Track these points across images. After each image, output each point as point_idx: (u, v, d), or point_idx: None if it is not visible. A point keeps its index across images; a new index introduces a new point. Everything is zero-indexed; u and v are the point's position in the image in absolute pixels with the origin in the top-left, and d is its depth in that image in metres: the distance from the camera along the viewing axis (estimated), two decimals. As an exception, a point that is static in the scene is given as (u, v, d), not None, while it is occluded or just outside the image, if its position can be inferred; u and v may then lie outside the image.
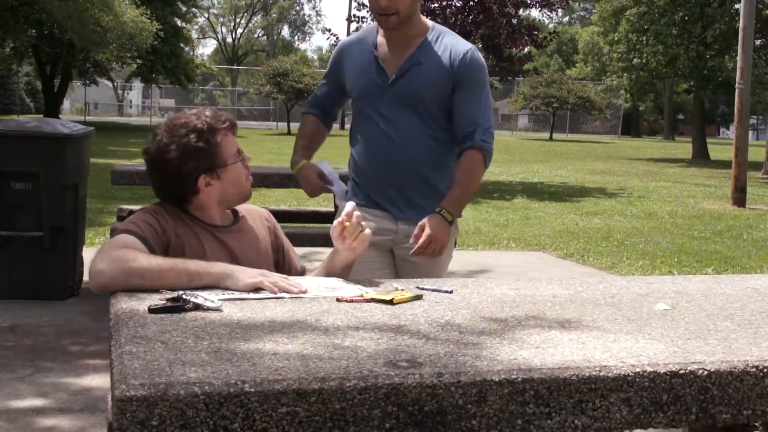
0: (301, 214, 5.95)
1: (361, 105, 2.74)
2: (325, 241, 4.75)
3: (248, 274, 1.84)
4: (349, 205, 2.08)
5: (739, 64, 11.75)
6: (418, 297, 1.83)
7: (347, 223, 2.05)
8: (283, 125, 33.81)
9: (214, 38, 74.41)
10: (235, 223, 2.16)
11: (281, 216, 6.08)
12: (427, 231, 2.52)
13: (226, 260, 2.00)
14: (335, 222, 2.10)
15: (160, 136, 2.07)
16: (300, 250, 7.01)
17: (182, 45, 33.64)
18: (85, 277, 4.83)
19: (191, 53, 42.10)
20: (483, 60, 2.74)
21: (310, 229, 4.94)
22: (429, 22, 2.75)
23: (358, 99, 2.75)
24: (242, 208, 2.23)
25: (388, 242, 2.68)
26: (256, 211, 2.28)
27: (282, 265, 2.21)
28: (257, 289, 1.81)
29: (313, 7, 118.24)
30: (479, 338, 1.50)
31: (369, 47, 2.73)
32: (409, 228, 2.62)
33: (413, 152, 2.65)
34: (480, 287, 1.98)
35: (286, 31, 78.19)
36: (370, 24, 2.85)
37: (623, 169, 18.87)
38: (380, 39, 2.72)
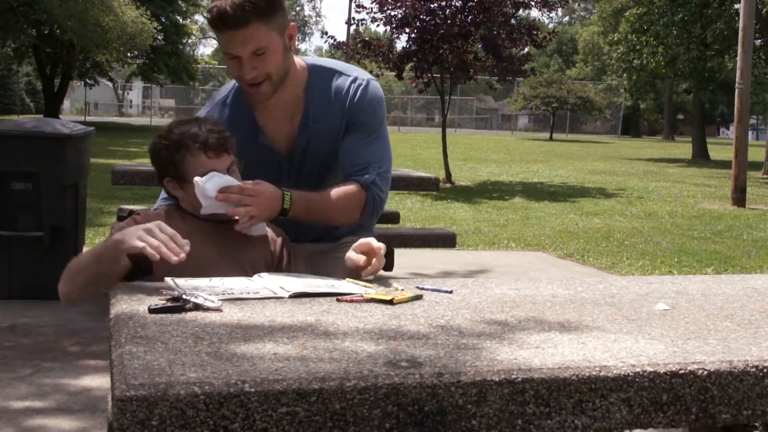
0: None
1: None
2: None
3: (135, 236, 1.81)
4: (370, 240, 2.00)
5: (738, 64, 11.75)
6: (418, 297, 1.83)
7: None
8: (283, 125, 33.77)
9: (214, 38, 74.41)
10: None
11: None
12: (255, 185, 2.04)
13: (211, 250, 2.03)
14: (359, 252, 1.98)
15: (166, 127, 2.16)
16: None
17: (184, 40, 33.66)
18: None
19: (192, 52, 42.10)
20: (379, 93, 2.26)
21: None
22: (301, 62, 2.21)
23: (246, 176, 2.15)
24: None
25: None
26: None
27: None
28: (257, 288, 1.82)
29: (313, 8, 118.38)
30: (479, 338, 1.50)
31: (244, 118, 2.20)
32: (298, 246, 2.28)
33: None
34: (480, 287, 1.98)
35: (286, 31, 78.09)
36: (226, 85, 2.36)
37: (623, 169, 18.88)
38: (253, 105, 2.21)
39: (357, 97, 2.20)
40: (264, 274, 1.99)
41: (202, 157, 2.05)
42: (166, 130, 2.13)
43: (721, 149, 28.46)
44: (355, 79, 2.22)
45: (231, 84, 2.30)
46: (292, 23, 2.13)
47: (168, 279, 1.86)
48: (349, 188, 2.19)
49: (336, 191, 2.17)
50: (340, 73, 2.24)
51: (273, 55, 2.06)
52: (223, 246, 2.09)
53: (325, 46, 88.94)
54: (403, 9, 13.47)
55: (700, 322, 1.69)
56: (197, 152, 2.05)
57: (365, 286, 1.91)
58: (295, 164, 2.24)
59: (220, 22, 2.01)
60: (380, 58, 13.92)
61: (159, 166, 2.13)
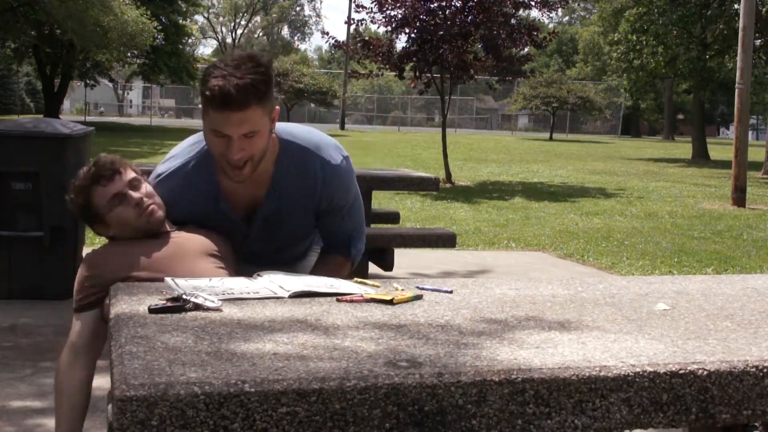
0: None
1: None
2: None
3: None
4: None
5: (738, 64, 11.75)
6: (418, 297, 1.83)
7: None
8: (283, 125, 33.77)
9: (214, 38, 74.46)
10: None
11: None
12: None
13: (168, 252, 2.20)
14: None
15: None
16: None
17: (184, 39, 33.69)
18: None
19: (192, 52, 42.08)
20: (350, 170, 2.31)
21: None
22: (273, 134, 2.19)
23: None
24: None
25: None
26: None
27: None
28: (257, 288, 1.82)
29: (313, 8, 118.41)
30: (479, 338, 1.50)
31: (207, 184, 2.23)
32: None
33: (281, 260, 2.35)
34: (480, 287, 1.98)
35: (286, 31, 78.22)
36: (193, 142, 2.31)
37: (623, 169, 18.87)
38: (219, 171, 2.20)
39: (330, 184, 2.24)
40: (264, 273, 2.00)
41: (99, 189, 2.24)
42: (71, 185, 2.31)
43: (721, 149, 28.45)
44: (326, 162, 2.23)
45: (192, 146, 2.28)
46: (277, 107, 2.14)
47: (168, 279, 1.87)
48: (340, 265, 2.38)
49: (331, 272, 2.28)
50: (312, 152, 2.23)
51: (261, 138, 2.07)
52: (174, 246, 2.23)
53: (325, 46, 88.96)
54: (403, 9, 13.47)
55: (700, 322, 1.69)
56: (94, 187, 2.24)
57: (372, 285, 1.91)
58: (253, 229, 2.29)
59: (221, 102, 1.98)
60: (380, 58, 13.92)
61: (82, 218, 2.32)
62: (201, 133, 2.20)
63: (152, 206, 2.23)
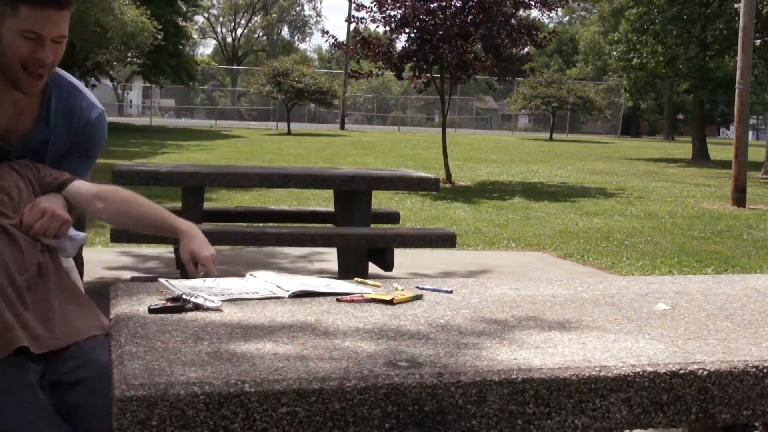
0: (300, 214, 5.95)
1: None
2: (325, 240, 4.74)
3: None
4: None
5: (739, 64, 11.75)
6: (418, 297, 1.83)
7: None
8: (283, 125, 33.84)
9: (214, 38, 74.49)
10: None
11: (281, 216, 6.09)
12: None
13: None
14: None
15: None
16: (299, 251, 6.97)
17: (183, 42, 33.73)
18: (86, 277, 4.82)
19: (192, 52, 42.11)
20: (106, 120, 2.27)
21: (309, 229, 4.94)
22: None
23: None
24: None
25: None
26: None
27: (42, 179, 2.09)
28: (255, 288, 1.82)
29: (313, 8, 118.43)
30: (479, 338, 1.50)
31: None
32: None
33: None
34: (480, 287, 1.98)
35: (286, 31, 78.26)
36: None
37: (623, 169, 18.87)
38: None
39: (91, 126, 2.18)
40: (256, 273, 1.99)
41: None
42: None
43: (721, 149, 28.46)
44: (92, 104, 2.20)
45: None
46: None
47: (162, 280, 1.86)
48: None
49: None
50: (79, 91, 2.18)
51: (63, 47, 2.03)
52: None
53: (326, 46, 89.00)
54: (403, 9, 13.47)
55: (700, 322, 1.69)
56: None
57: (372, 285, 1.91)
58: (12, 156, 2.10)
59: None
60: (380, 58, 13.92)
61: None
62: None
63: None
